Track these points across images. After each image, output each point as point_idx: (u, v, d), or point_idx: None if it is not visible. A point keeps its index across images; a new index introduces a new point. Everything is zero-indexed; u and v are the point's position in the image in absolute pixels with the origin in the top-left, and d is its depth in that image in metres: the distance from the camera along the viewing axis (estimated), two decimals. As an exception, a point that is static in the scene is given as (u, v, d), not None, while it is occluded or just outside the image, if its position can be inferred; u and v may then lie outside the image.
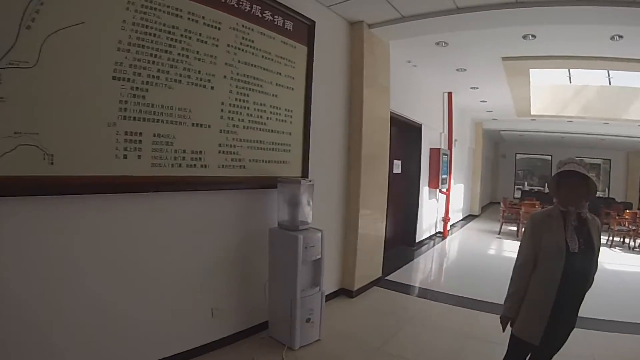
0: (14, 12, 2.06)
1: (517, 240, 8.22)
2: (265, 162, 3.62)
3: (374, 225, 5.13)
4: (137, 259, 2.71)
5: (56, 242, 2.31)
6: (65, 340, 2.38)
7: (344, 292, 4.84)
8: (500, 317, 2.39)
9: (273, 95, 3.64)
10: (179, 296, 2.97)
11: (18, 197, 2.12)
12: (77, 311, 2.40)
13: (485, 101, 9.74)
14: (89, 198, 2.42)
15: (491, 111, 11.10)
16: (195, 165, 3.03)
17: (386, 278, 5.61)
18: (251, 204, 3.56)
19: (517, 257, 2.31)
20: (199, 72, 3.04)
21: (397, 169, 7.00)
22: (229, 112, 3.26)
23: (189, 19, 2.95)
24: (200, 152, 3.07)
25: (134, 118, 2.62)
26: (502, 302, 2.35)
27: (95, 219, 2.48)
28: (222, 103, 3.21)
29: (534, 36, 5.03)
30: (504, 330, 2.39)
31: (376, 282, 5.27)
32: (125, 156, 2.58)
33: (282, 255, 3.37)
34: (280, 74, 3.70)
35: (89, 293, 2.45)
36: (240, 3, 3.33)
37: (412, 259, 7.11)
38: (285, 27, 3.79)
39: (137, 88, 2.63)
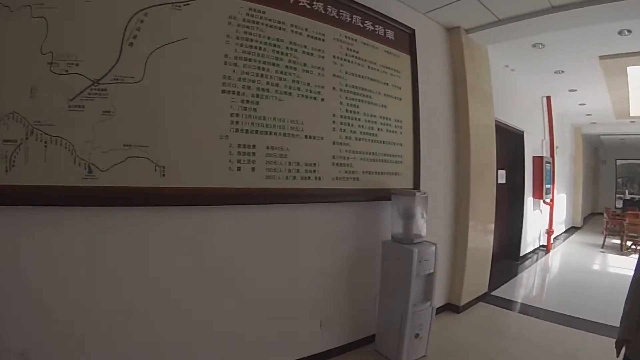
0: (116, 31, 2.13)
1: (622, 255, 7.73)
2: (378, 173, 3.33)
3: (482, 238, 4.67)
4: (247, 270, 2.61)
5: (164, 252, 2.28)
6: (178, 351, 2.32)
7: (450, 308, 4.44)
8: (616, 341, 1.92)
9: (382, 105, 3.35)
10: (288, 307, 2.84)
11: (127, 207, 2.14)
12: (186, 321, 2.37)
13: (584, 104, 8.80)
14: (201, 209, 2.37)
15: (590, 114, 10.06)
16: (309, 177, 2.84)
17: (492, 293, 5.07)
18: (364, 217, 3.32)
19: (635, 270, 1.90)
20: (308, 84, 2.86)
21: (501, 179, 6.30)
22: (341, 123, 3.03)
23: (292, 31, 2.82)
24: (314, 164, 2.87)
25: (246, 131, 2.51)
26: (608, 323, 1.80)
27: (207, 230, 2.43)
28: (334, 115, 3.00)
29: (629, 31, 4.42)
30: (617, 355, 1.93)
31: (482, 298, 4.78)
32: (239, 168, 2.48)
33: (395, 268, 3.13)
34: (387, 84, 3.41)
35: (198, 304, 2.41)
36: (341, 14, 3.13)
37: (517, 274, 6.36)
38: (387, 36, 3.53)
39: (247, 101, 2.53)
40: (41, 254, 2.05)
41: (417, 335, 3.13)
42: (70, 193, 2.03)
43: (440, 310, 4.31)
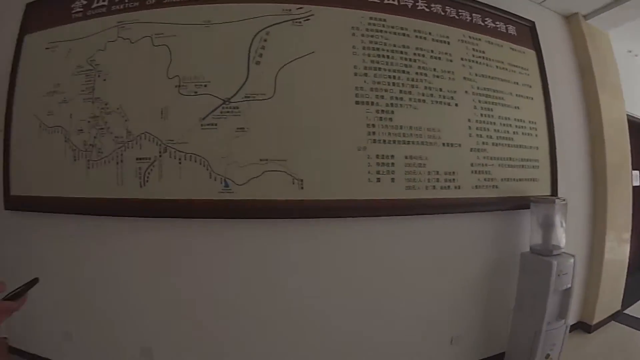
0: (240, 51, 2.23)
1: None
2: (516, 180, 2.98)
3: (618, 248, 4.07)
4: (378, 281, 2.50)
5: (302, 264, 2.31)
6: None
7: (581, 326, 3.91)
8: None
9: (515, 107, 3.00)
10: (417, 320, 2.68)
11: (264, 220, 2.20)
12: (312, 331, 2.38)
13: None
14: (341, 222, 2.32)
15: None
16: (449, 186, 2.59)
17: (625, 312, 4.39)
18: (501, 226, 3.00)
19: None
20: (440, 89, 2.60)
21: (635, 181, 5.53)
22: (476, 128, 2.73)
23: (416, 36, 2.60)
24: (453, 172, 2.61)
25: (384, 141, 2.35)
26: None
27: (343, 242, 2.38)
28: (469, 120, 2.70)
29: None
30: None
31: (615, 316, 4.16)
32: (378, 179, 2.34)
33: (531, 282, 2.78)
34: (517, 83, 3.06)
35: (328, 314, 2.39)
36: (461, 14, 2.86)
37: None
38: (509, 32, 3.18)
39: (382, 111, 2.37)
40: (175, 262, 2.28)
41: (547, 356, 2.80)
42: (208, 206, 2.15)
43: (571, 329, 3.73)
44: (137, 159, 2.27)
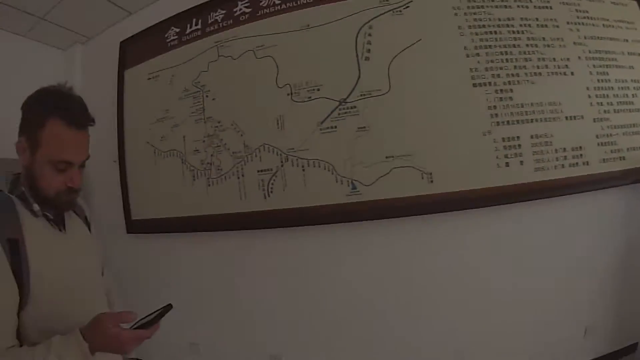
0: (347, 50, 2.16)
1: None
2: None
3: None
4: (501, 270, 2.32)
5: (426, 260, 2.17)
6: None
7: None
8: None
9: (629, 67, 2.73)
10: (547, 311, 2.46)
11: (395, 219, 2.09)
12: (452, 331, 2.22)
13: None
14: (471, 213, 2.13)
15: None
16: (577, 163, 2.38)
17: None
18: (633, 203, 2.68)
19: None
20: (553, 59, 2.42)
21: None
22: (596, 96, 2.51)
23: (518, 6, 2.42)
24: (580, 147, 2.40)
25: (507, 122, 2.19)
26: None
27: (482, 234, 2.23)
28: (587, 88, 2.49)
29: None
30: None
31: None
32: (507, 164, 2.17)
33: None
34: (626, 40, 2.79)
35: (473, 311, 2.24)
36: None
37: None
38: (607, -14, 2.85)
39: (500, 90, 2.21)
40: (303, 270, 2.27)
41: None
42: (337, 211, 2.09)
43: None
44: (258, 171, 2.28)
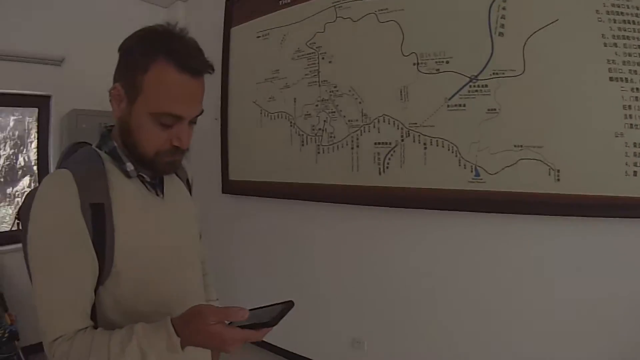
0: (478, 22, 1.94)
1: None
2: None
3: None
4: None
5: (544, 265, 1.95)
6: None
7: None
8: None
9: None
10: None
11: (515, 215, 1.90)
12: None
13: None
14: (595, 221, 1.91)
15: None
16: None
17: None
18: None
19: None
20: None
21: None
22: None
23: None
24: None
25: None
26: None
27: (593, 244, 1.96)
28: None
29: None
30: None
31: None
32: (635, 173, 1.92)
33: None
34: None
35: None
36: None
37: None
38: None
39: (637, 89, 1.95)
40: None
41: None
42: (457, 197, 1.95)
43: None
44: (375, 143, 2.18)
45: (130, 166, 0.85)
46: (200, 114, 0.89)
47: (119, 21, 3.09)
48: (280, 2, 2.60)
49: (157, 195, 0.91)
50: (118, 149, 0.86)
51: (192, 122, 0.87)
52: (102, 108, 2.71)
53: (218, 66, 2.79)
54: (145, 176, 0.89)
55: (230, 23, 2.79)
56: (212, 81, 2.56)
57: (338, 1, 2.36)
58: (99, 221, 0.76)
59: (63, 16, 2.99)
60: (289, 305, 0.71)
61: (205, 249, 1.25)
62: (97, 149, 0.88)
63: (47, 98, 3.05)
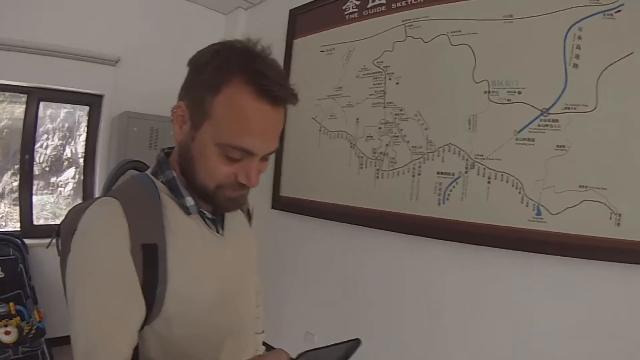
0: (553, 51, 1.90)
1: None
2: None
3: None
4: None
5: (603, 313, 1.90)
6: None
7: None
8: None
9: None
10: None
11: (580, 259, 1.83)
12: None
13: None
14: None
15: None
16: None
17: None
18: None
19: None
20: None
21: None
22: None
23: None
24: None
25: None
26: None
27: None
28: None
29: None
30: None
31: None
32: None
33: None
34: None
35: None
36: None
37: None
38: None
39: None
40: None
41: None
42: (515, 235, 1.92)
43: None
44: (437, 173, 2.17)
45: (190, 201, 0.78)
46: (275, 151, 0.81)
47: (176, 25, 3.21)
48: (347, 16, 2.61)
49: (217, 232, 0.86)
50: (177, 179, 0.79)
51: (264, 158, 0.79)
52: (155, 112, 2.82)
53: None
54: (205, 212, 0.83)
55: (293, 34, 2.84)
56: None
57: (409, 19, 2.36)
58: (150, 265, 0.70)
59: (121, 16, 3.15)
60: (355, 344, 0.64)
61: (259, 280, 1.22)
62: (152, 177, 0.81)
63: (100, 97, 3.22)
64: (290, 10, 2.92)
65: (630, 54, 1.90)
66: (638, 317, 1.96)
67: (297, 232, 2.78)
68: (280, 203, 2.74)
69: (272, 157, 2.70)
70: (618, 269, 1.88)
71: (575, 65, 1.91)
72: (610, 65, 1.90)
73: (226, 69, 0.70)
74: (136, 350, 0.71)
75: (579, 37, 1.93)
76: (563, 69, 1.92)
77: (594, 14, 1.96)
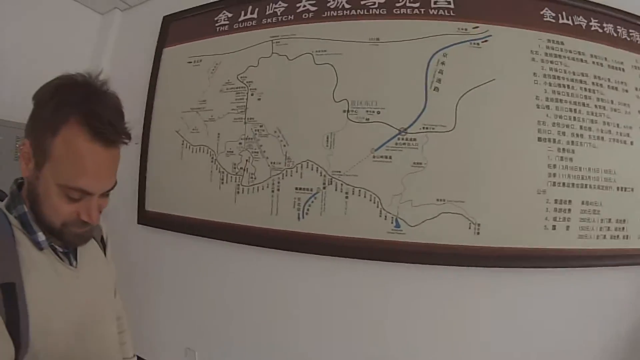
0: (416, 75, 2.07)
1: None
2: None
3: None
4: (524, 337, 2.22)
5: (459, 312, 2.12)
6: None
7: None
8: None
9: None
10: None
11: (436, 266, 2.02)
12: None
13: None
14: (513, 272, 2.12)
15: None
16: (617, 236, 2.35)
17: None
18: None
19: None
20: (617, 125, 2.38)
21: None
22: (651, 169, 2.45)
23: (593, 62, 2.38)
24: (624, 220, 2.37)
25: (563, 184, 2.17)
26: None
27: (519, 294, 2.17)
28: (643, 159, 2.43)
29: None
30: None
31: None
32: (554, 227, 2.14)
33: None
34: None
35: None
36: (631, 35, 2.59)
37: None
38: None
39: (563, 149, 2.19)
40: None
41: None
42: (377, 247, 2.02)
43: None
44: (296, 188, 2.19)
45: (41, 236, 0.82)
46: (114, 187, 0.87)
47: (48, 23, 2.93)
48: (218, 27, 2.57)
49: (71, 264, 0.90)
50: (28, 214, 0.82)
51: (104, 195, 0.85)
52: (23, 120, 2.53)
53: (145, 87, 2.71)
54: (57, 247, 0.87)
55: (164, 42, 2.73)
56: (137, 101, 2.51)
57: (277, 36, 2.37)
58: (11, 304, 0.72)
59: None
60: None
61: (120, 304, 1.26)
62: (5, 212, 0.82)
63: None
64: (164, 17, 2.79)
65: (492, 80, 2.11)
66: (503, 319, 2.16)
67: (165, 248, 2.65)
68: (146, 218, 2.60)
69: (136, 172, 2.59)
70: (481, 273, 2.08)
71: (436, 89, 2.06)
72: (471, 89, 2.08)
73: (63, 109, 0.75)
74: None
75: (442, 63, 2.09)
76: (424, 91, 2.06)
77: (461, 42, 2.13)
